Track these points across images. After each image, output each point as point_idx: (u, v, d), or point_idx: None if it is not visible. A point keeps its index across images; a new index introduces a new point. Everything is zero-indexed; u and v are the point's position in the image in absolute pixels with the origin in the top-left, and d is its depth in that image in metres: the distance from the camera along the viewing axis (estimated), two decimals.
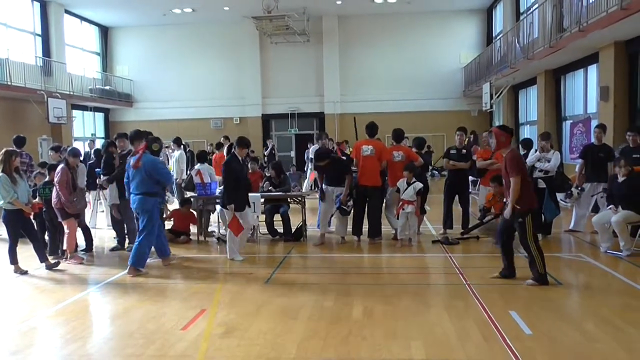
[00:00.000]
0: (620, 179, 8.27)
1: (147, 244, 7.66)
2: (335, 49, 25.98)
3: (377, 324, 5.36)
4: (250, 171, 10.65)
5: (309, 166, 17.64)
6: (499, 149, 6.74)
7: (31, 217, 8.07)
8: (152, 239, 7.73)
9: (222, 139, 17.52)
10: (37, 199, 8.51)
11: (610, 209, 8.30)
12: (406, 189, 8.97)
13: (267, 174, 10.94)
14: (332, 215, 9.63)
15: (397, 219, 9.14)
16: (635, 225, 8.28)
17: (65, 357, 4.78)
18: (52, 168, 8.86)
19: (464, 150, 9.91)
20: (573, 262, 7.95)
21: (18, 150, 8.86)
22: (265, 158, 21.37)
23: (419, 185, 8.97)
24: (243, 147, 8.44)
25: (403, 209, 8.98)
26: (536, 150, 9.48)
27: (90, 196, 10.64)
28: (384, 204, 9.68)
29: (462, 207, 9.93)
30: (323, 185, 9.46)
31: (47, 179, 8.85)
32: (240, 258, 8.28)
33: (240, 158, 8.37)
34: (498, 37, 22.17)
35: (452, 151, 9.92)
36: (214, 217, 10.65)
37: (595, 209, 9.70)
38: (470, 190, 15.84)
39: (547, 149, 9.29)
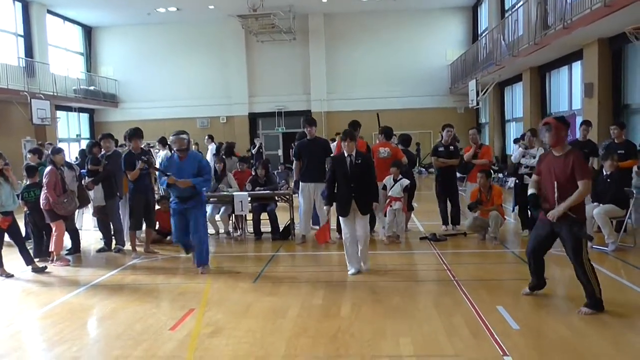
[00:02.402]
0: (606, 173, 8.37)
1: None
2: (321, 47, 25.96)
3: (366, 321, 5.37)
4: (239, 170, 10.66)
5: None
6: (556, 145, 5.46)
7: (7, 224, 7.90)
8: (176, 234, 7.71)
9: (206, 138, 17.50)
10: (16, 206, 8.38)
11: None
12: (393, 186, 9.00)
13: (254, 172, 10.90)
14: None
15: (385, 216, 9.16)
16: (620, 220, 8.39)
17: (52, 359, 4.74)
18: (30, 170, 8.74)
19: (451, 147, 9.97)
20: (559, 257, 7.94)
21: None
22: (253, 157, 21.30)
23: (406, 181, 9.01)
24: (348, 139, 7.09)
25: (391, 206, 9.00)
26: (519, 147, 9.54)
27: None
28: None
29: (452, 203, 10.00)
30: (300, 182, 9.24)
31: (29, 182, 8.72)
32: (352, 271, 7.17)
33: (346, 153, 7.09)
34: (483, 35, 22.26)
35: (440, 149, 9.96)
36: None
37: None
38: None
39: (533, 145, 9.35)
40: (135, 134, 8.77)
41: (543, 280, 5.93)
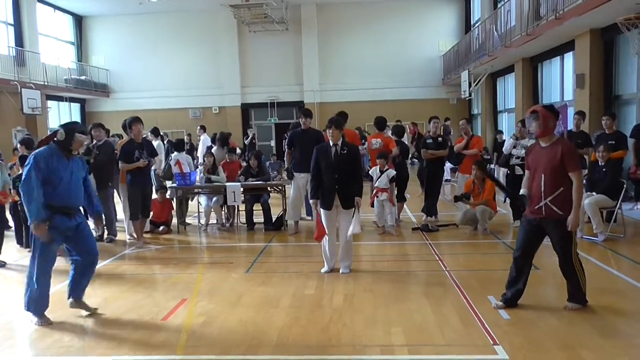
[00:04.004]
0: (601, 163, 8.45)
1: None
2: (314, 37, 25.85)
3: (358, 311, 5.39)
4: (228, 161, 10.63)
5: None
6: (543, 135, 5.09)
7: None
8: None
9: (198, 128, 17.44)
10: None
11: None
12: (379, 177, 9.01)
13: (246, 163, 10.88)
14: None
15: (372, 206, 9.18)
16: (610, 210, 8.45)
17: (44, 349, 4.73)
18: (23, 160, 8.72)
19: (439, 139, 10.00)
20: (550, 247, 8.01)
21: None
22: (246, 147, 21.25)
23: (392, 172, 9.03)
24: (333, 126, 6.66)
25: (377, 197, 9.02)
26: (510, 138, 9.58)
27: None
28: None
29: (431, 194, 9.98)
30: (293, 171, 9.22)
31: (19, 172, 8.69)
32: (324, 269, 6.85)
33: (331, 142, 6.71)
34: (476, 25, 22.23)
35: (429, 140, 9.99)
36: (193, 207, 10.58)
37: None
38: (449, 178, 16.05)
39: (524, 136, 9.38)
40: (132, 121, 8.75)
41: (521, 291, 5.34)
